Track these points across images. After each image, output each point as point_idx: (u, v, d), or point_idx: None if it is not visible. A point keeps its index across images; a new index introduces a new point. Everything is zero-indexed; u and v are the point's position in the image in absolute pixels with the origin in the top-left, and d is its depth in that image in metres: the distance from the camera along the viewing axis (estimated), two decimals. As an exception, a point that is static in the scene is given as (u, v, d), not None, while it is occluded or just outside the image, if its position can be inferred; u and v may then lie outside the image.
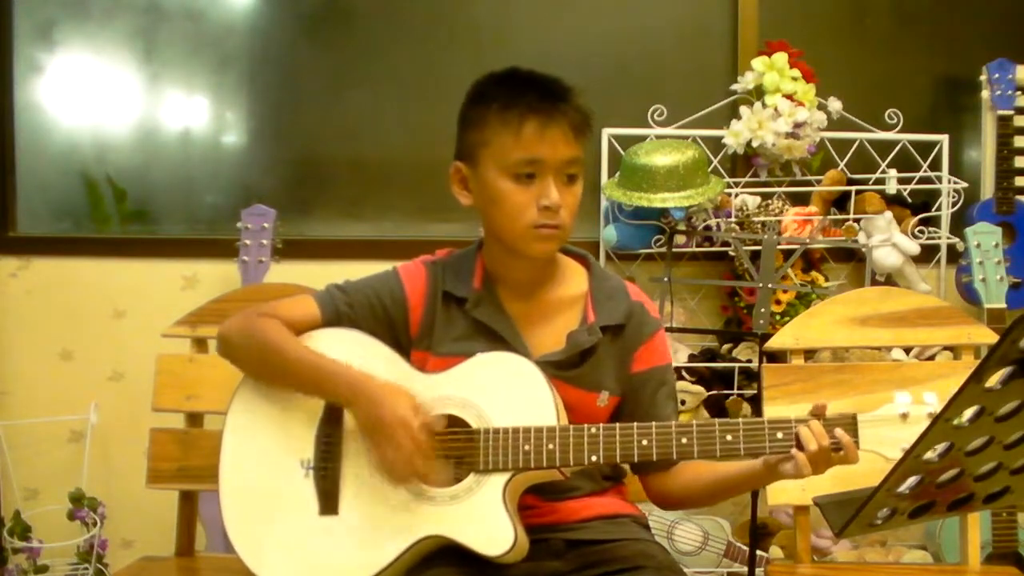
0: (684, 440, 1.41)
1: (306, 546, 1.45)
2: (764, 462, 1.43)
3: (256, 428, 1.51)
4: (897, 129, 2.82)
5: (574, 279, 1.60)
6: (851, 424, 1.39)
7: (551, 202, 1.46)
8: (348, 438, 1.48)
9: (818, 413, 1.41)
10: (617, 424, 1.43)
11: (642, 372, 1.58)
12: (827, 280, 2.84)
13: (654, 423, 1.43)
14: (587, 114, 1.51)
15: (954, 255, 2.81)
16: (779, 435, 1.40)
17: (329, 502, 1.46)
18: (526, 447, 1.41)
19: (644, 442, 1.42)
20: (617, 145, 2.80)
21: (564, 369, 1.52)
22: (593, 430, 1.42)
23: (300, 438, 1.49)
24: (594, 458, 1.42)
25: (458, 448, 1.44)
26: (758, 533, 2.45)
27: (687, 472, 1.57)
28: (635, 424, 1.43)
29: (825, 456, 1.38)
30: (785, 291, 2.75)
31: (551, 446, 1.42)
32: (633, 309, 1.58)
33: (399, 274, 1.58)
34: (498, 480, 1.42)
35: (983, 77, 2.87)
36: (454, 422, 1.46)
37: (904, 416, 1.38)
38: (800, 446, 1.38)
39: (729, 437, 1.41)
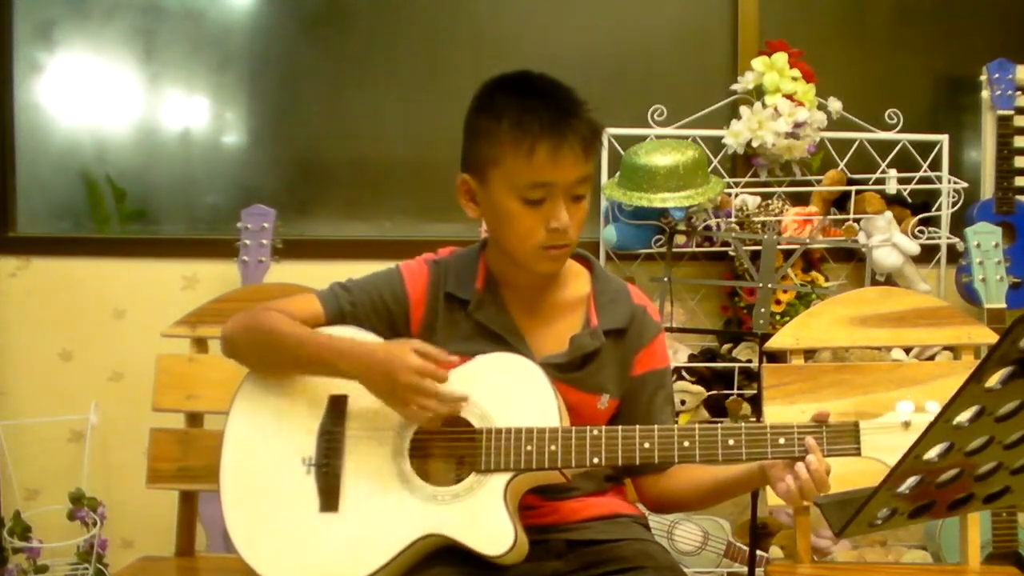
0: (686, 443, 1.41)
1: (306, 543, 1.45)
2: (760, 465, 1.43)
3: (258, 425, 1.52)
4: (897, 129, 2.82)
5: (576, 282, 1.60)
6: (853, 431, 1.39)
7: (560, 224, 1.45)
8: (350, 435, 1.48)
9: (820, 420, 1.41)
10: (620, 427, 1.43)
11: (641, 375, 1.59)
12: (827, 280, 2.83)
13: (656, 426, 1.43)
14: (598, 128, 1.49)
15: (954, 255, 2.81)
16: (781, 440, 1.40)
17: (330, 499, 1.46)
18: (528, 448, 1.42)
19: (646, 445, 1.42)
20: (617, 145, 2.80)
21: (566, 371, 1.52)
22: (595, 432, 1.42)
23: (302, 435, 1.49)
24: (596, 460, 1.42)
25: (460, 447, 1.44)
26: (758, 533, 2.45)
27: (681, 475, 1.57)
28: (637, 427, 1.43)
29: (811, 493, 1.38)
30: (785, 291, 2.75)
31: (553, 447, 1.42)
32: (635, 313, 1.59)
33: (401, 272, 1.58)
34: (499, 480, 1.42)
35: (983, 77, 2.87)
36: (457, 422, 1.46)
37: (906, 424, 1.38)
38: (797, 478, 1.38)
39: (731, 441, 1.40)
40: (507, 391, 1.45)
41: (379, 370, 1.42)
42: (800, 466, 1.38)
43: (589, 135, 1.46)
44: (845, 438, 1.39)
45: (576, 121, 1.45)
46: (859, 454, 1.39)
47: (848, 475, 1.41)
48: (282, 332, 1.49)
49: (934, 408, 1.38)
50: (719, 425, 1.43)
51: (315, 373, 1.50)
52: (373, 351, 1.45)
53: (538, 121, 1.43)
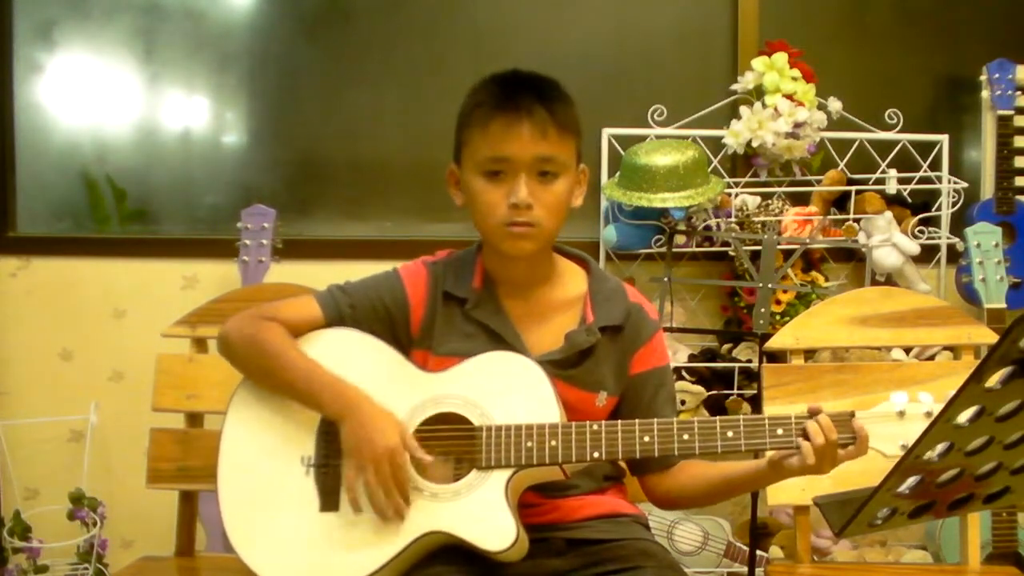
0: (686, 436, 1.42)
1: (306, 543, 1.45)
2: (768, 461, 1.44)
3: (257, 425, 1.52)
4: (897, 129, 2.82)
5: (573, 280, 1.61)
6: (847, 421, 1.40)
7: (518, 199, 1.46)
8: None
9: (814, 414, 1.41)
10: (619, 421, 1.44)
11: (641, 374, 1.59)
12: (827, 280, 2.84)
13: (656, 420, 1.44)
14: (563, 112, 1.49)
15: (954, 255, 2.81)
16: (779, 431, 1.41)
17: (330, 499, 1.46)
18: (528, 444, 1.42)
19: (646, 439, 1.42)
20: (617, 145, 2.80)
21: (563, 368, 1.52)
22: (595, 427, 1.43)
23: (301, 435, 1.49)
24: (596, 454, 1.42)
25: (460, 445, 1.44)
26: (758, 533, 2.45)
27: (687, 472, 1.57)
28: (637, 421, 1.44)
29: (832, 451, 1.38)
30: (785, 291, 2.75)
31: (553, 443, 1.42)
32: (631, 310, 1.59)
33: (400, 275, 1.59)
34: (500, 477, 1.42)
35: (983, 77, 2.87)
36: (456, 420, 1.46)
37: (901, 414, 1.40)
38: (807, 439, 1.39)
39: (730, 433, 1.41)
40: (505, 388, 1.45)
41: (361, 424, 1.42)
42: (811, 424, 1.38)
43: (546, 115, 1.47)
44: (841, 428, 1.39)
45: (535, 102, 1.47)
46: (855, 442, 1.39)
47: (848, 474, 1.41)
48: (277, 353, 1.49)
49: (927, 399, 1.40)
50: (718, 418, 1.43)
51: (298, 400, 1.49)
52: (365, 404, 1.44)
53: (495, 98, 1.48)
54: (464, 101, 1.54)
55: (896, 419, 1.39)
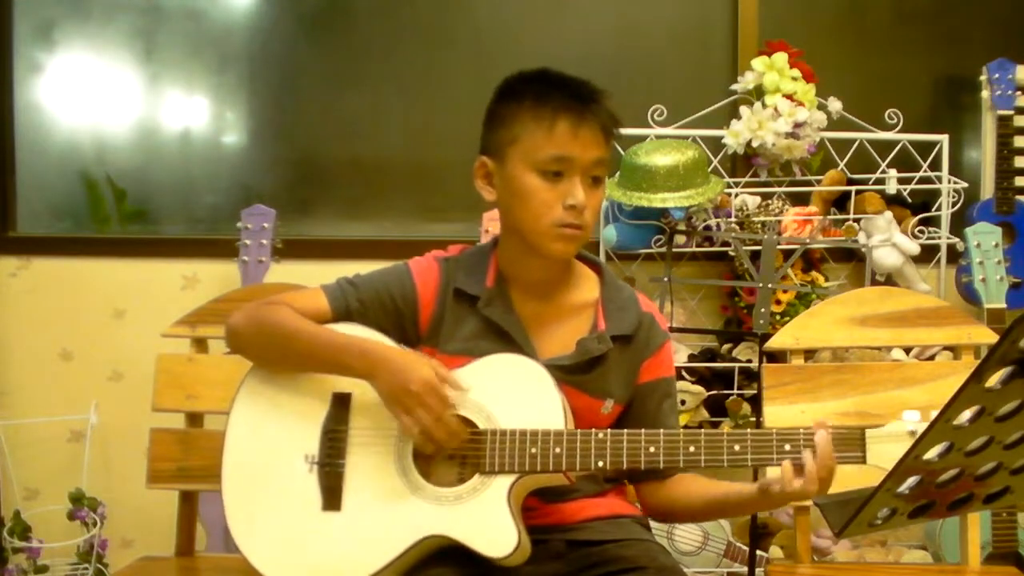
0: (692, 448, 1.41)
1: (308, 541, 1.45)
2: (759, 487, 1.44)
3: (261, 422, 1.51)
4: (897, 129, 2.82)
5: (586, 285, 1.60)
6: (859, 439, 1.39)
7: (577, 202, 1.46)
8: (354, 434, 1.48)
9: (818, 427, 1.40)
10: (625, 430, 1.43)
11: (648, 383, 1.59)
12: (827, 280, 2.84)
13: (662, 431, 1.43)
14: (616, 117, 1.51)
15: (954, 255, 2.81)
16: (787, 447, 1.39)
17: (332, 498, 1.46)
18: (532, 450, 1.41)
19: (651, 449, 1.41)
20: (617, 145, 2.79)
21: (571, 374, 1.51)
22: (600, 435, 1.42)
23: (305, 433, 1.49)
24: (600, 464, 1.41)
25: (464, 448, 1.44)
26: (758, 533, 2.45)
27: (682, 487, 1.57)
28: (643, 431, 1.42)
29: (829, 473, 1.37)
30: (785, 291, 2.75)
31: (558, 450, 1.41)
32: (643, 320, 1.58)
33: (411, 270, 1.57)
34: (503, 482, 1.41)
35: (983, 77, 2.87)
36: (461, 423, 1.45)
37: (912, 434, 1.36)
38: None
39: (737, 448, 1.40)
40: (513, 392, 1.45)
41: (391, 371, 1.42)
42: (807, 453, 1.37)
43: (608, 119, 1.50)
44: (850, 445, 1.38)
45: (596, 104, 1.49)
46: (864, 462, 1.38)
47: (850, 479, 1.40)
48: (291, 328, 1.49)
49: None
50: (724, 432, 1.42)
51: (322, 371, 1.49)
52: (389, 352, 1.45)
53: (558, 98, 1.47)
54: (502, 97, 1.52)
55: (906, 439, 1.35)
